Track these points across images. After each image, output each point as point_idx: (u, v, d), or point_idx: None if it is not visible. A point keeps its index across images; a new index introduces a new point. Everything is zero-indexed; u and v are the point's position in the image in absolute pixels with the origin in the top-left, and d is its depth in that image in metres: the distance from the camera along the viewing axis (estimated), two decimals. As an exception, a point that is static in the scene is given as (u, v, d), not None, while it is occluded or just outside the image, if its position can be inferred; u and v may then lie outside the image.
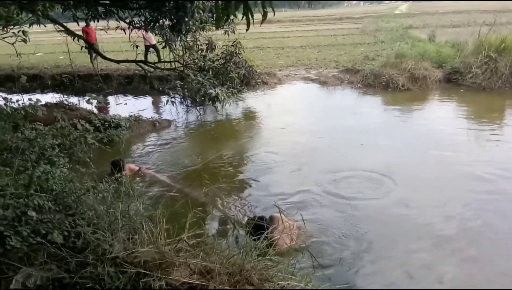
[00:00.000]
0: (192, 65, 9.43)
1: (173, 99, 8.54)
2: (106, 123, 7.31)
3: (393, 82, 10.46)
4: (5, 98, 6.38)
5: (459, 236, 4.06)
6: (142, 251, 2.20)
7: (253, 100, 10.55)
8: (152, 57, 12.92)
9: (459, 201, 4.72)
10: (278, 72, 13.22)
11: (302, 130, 7.67)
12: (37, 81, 13.33)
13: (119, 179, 3.66)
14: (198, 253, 2.53)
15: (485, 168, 5.50)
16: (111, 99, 11.73)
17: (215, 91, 8.18)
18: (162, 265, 2.25)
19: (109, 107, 10.55)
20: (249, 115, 9.25)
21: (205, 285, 2.27)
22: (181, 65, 9.48)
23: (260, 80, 11.40)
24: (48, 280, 2.05)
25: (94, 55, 13.12)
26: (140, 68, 10.56)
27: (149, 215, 2.99)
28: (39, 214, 2.78)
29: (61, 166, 4.12)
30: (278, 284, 2.64)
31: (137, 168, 5.26)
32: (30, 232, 2.44)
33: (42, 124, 6.48)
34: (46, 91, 12.69)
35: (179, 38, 8.11)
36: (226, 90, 8.61)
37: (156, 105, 10.87)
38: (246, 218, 4.17)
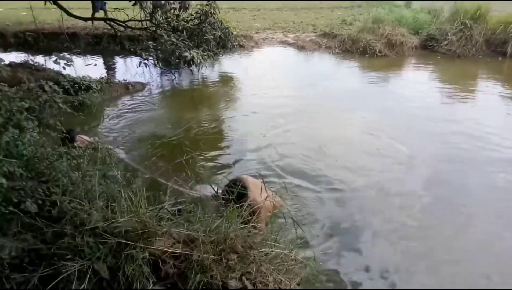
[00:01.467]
0: (165, 25, 8.97)
1: (146, 61, 8.18)
2: (76, 85, 6.93)
3: (371, 48, 10.44)
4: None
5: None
6: (123, 221, 2.12)
7: (230, 63, 10.29)
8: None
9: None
10: (255, 35, 12.88)
11: (280, 94, 7.59)
12: (-2, 38, 12.44)
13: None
14: (181, 222, 2.47)
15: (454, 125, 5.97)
16: (79, 59, 11.13)
17: (190, 54, 7.86)
18: (144, 235, 2.18)
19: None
20: (226, 79, 9.04)
21: (189, 254, 2.23)
22: (153, 25, 9.00)
23: (236, 43, 11.06)
24: (23, 251, 1.95)
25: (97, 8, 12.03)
26: (109, 27, 9.97)
27: (127, 183, 2.89)
28: (10, 181, 2.62)
29: (30, 130, 3.88)
30: (261, 251, 2.64)
31: (89, 139, 4.84)
32: (1, 201, 2.29)
33: (6, 85, 6.08)
34: (9, 50, 11.85)
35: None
36: (202, 53, 8.30)
37: (128, 67, 10.40)
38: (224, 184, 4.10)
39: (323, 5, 18.54)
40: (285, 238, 3.00)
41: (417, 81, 8.60)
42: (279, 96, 7.51)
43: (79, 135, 4.72)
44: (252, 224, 2.89)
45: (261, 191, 3.58)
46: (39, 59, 9.73)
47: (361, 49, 10.54)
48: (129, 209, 2.37)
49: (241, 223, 2.79)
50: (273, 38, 12.80)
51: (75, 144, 4.31)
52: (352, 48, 10.82)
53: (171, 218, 2.43)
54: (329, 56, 10.91)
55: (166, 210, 2.64)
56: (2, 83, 5.66)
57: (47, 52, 11.13)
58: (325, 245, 3.52)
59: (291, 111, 6.68)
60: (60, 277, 1.80)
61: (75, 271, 1.88)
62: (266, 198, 3.25)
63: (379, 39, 10.56)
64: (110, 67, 10.44)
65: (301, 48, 11.71)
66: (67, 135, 4.20)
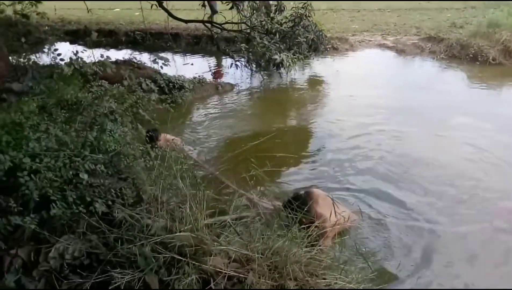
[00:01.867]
0: (259, 28, 9.06)
1: (237, 63, 8.34)
2: (170, 84, 7.35)
3: (483, 55, 9.23)
4: (76, 54, 6.63)
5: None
6: (179, 235, 2.08)
7: (321, 66, 9.98)
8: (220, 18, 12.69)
9: None
10: (351, 37, 12.34)
11: (371, 104, 7.04)
12: (112, 36, 13.87)
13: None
14: (239, 240, 2.36)
15: None
16: (179, 58, 11.85)
17: (280, 56, 7.79)
18: (199, 251, 2.11)
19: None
20: (315, 83, 8.79)
21: (242, 277, 2.10)
22: (247, 27, 9.15)
23: (330, 46, 10.69)
24: (83, 255, 2.02)
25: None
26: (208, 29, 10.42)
27: (194, 189, 2.87)
28: (91, 177, 2.78)
29: (123, 125, 4.07)
30: (323, 280, 2.41)
31: (173, 138, 5.00)
32: (76, 198, 2.41)
33: (107, 82, 6.68)
34: (119, 47, 13.15)
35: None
36: (292, 56, 8.18)
37: (221, 67, 10.76)
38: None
39: (431, 5, 17.03)
40: (356, 266, 2.69)
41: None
42: (370, 103, 6.98)
43: (164, 134, 4.90)
44: (318, 247, 2.68)
45: (330, 208, 3.32)
46: (145, 56, 10.56)
47: (471, 55, 9.38)
48: (189, 219, 2.33)
49: (306, 245, 2.59)
50: (370, 40, 12.12)
51: (158, 143, 4.51)
52: (461, 54, 9.69)
53: (229, 235, 2.33)
54: (432, 62, 9.94)
55: (228, 223, 2.56)
56: (104, 80, 6.21)
57: (152, 50, 12.05)
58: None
59: (381, 121, 6.16)
60: (110, 287, 1.81)
61: (127, 281, 1.87)
62: (333, 214, 2.99)
63: (494, 45, 9.28)
64: (204, 67, 10.89)
65: (400, 52, 10.89)
66: (151, 134, 4.40)
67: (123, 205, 2.54)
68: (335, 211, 3.10)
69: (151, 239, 2.05)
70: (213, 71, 8.65)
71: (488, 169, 4.69)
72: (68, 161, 2.80)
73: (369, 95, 7.47)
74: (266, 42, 8.33)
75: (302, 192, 3.56)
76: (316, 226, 2.88)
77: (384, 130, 5.83)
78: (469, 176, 4.55)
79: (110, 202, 2.48)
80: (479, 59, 9.23)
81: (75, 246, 2.04)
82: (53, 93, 4.75)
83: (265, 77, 8.78)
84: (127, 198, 2.63)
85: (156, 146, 4.10)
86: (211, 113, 6.91)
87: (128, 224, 2.24)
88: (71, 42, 13.40)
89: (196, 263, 2.02)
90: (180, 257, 2.00)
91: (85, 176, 2.72)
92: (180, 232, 2.27)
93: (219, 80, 8.92)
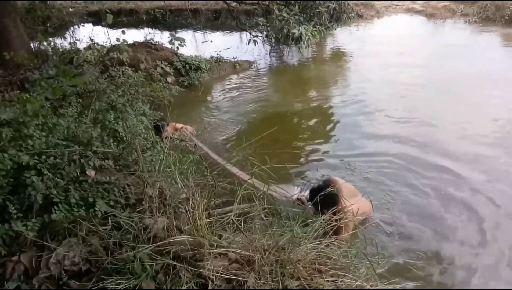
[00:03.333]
0: (278, -1, 8.68)
1: (255, 38, 8.08)
2: (187, 65, 7.23)
3: (520, 16, 8.49)
4: (92, 39, 6.63)
5: None
6: (174, 241, 2.04)
7: (345, 37, 9.54)
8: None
9: None
10: (377, 2, 11.69)
11: (399, 75, 6.64)
12: (133, 16, 13.82)
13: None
14: (240, 239, 2.30)
15: None
16: (199, 35, 11.67)
17: (298, 30, 7.47)
18: (197, 255, 2.07)
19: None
20: (338, 56, 8.44)
21: (241, 280, 2.05)
22: (266, -1, 8.79)
23: (353, 14, 10.15)
24: (82, 260, 2.02)
25: None
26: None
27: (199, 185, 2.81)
28: (98, 174, 2.76)
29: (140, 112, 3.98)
30: (328, 279, 2.32)
31: (181, 126, 4.88)
32: (78, 199, 2.41)
33: (126, 66, 6.66)
34: (140, 26, 13.09)
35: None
36: (312, 28, 7.82)
37: (241, 43, 10.49)
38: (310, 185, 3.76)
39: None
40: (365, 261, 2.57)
41: None
42: (397, 78, 6.59)
43: (172, 123, 4.78)
44: (330, 241, 2.57)
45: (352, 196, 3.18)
46: (165, 36, 10.44)
47: (506, 17, 8.64)
48: (190, 219, 2.28)
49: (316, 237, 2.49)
50: (397, 5, 11.46)
51: (165, 134, 4.39)
52: (495, 15, 8.96)
53: (230, 235, 2.27)
54: (464, 26, 9.28)
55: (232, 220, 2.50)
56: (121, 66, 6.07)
57: (172, 29, 11.94)
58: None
59: (410, 97, 5.80)
60: (106, 295, 1.80)
61: (124, 288, 1.86)
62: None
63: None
64: (223, 44, 10.68)
65: (430, 16, 10.24)
66: (157, 125, 4.30)
67: (127, 205, 2.52)
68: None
69: (145, 247, 2.02)
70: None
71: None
72: (78, 157, 2.79)
73: (396, 66, 7.06)
74: (285, 15, 8.00)
75: (325, 178, 3.40)
76: (338, 218, 2.76)
77: (412, 109, 5.41)
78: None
79: (112, 203, 2.46)
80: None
81: (75, 251, 2.04)
82: (69, 81, 4.73)
83: (284, 52, 8.48)
84: (131, 196, 2.61)
85: (162, 137, 4.04)
86: (228, 95, 6.74)
87: (128, 226, 2.21)
88: (94, 24, 13.46)
89: (194, 269, 1.97)
90: (175, 263, 1.96)
91: (92, 173, 2.71)
92: (180, 231, 2.23)
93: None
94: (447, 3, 10.51)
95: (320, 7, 8.40)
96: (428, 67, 7.03)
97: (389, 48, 8.24)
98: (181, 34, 10.99)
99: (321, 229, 2.59)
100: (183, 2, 13.68)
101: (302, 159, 4.34)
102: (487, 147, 4.33)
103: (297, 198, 3.43)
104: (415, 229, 3.35)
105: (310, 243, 2.44)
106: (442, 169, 3.98)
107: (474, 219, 3.37)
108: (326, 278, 2.32)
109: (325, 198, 3.00)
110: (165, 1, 13.57)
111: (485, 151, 4.23)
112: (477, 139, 4.49)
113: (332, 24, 8.67)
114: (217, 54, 8.11)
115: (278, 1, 8.63)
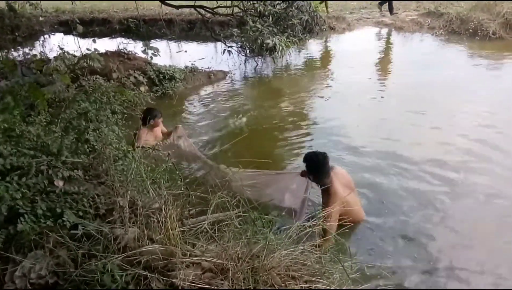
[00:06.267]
0: (252, 10, 8.79)
1: (229, 49, 8.13)
2: (160, 75, 7.18)
3: (483, 29, 8.92)
4: (62, 48, 6.47)
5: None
6: (145, 250, 2.00)
7: (317, 48, 9.76)
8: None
9: None
10: (348, 16, 12.04)
11: (369, 84, 6.85)
12: (105, 25, 13.64)
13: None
14: (214, 247, 2.28)
15: None
16: (173, 45, 11.63)
17: (272, 40, 7.58)
18: (169, 265, 2.04)
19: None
20: (310, 66, 8.58)
21: (214, 288, 2.03)
22: (240, 10, 8.89)
23: (326, 26, 10.40)
24: (49, 272, 1.95)
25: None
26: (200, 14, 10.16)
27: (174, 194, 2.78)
28: (67, 184, 2.68)
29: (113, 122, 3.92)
30: (302, 286, 2.33)
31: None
32: (45, 210, 2.33)
33: (97, 75, 6.52)
34: (113, 36, 12.93)
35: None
36: (285, 39, 7.95)
37: (215, 53, 10.52)
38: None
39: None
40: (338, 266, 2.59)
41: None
42: (368, 86, 6.79)
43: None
44: (307, 246, 2.57)
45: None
46: (139, 45, 10.34)
47: (470, 30, 9.09)
48: (162, 228, 2.25)
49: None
50: (368, 18, 11.83)
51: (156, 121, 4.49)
52: (460, 28, 9.40)
53: (203, 244, 2.25)
54: (431, 38, 9.66)
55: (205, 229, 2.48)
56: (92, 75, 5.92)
57: (146, 38, 11.81)
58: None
59: (381, 104, 6.02)
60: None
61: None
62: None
63: (495, 19, 8.96)
64: (197, 54, 10.67)
65: (399, 29, 10.61)
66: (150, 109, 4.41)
67: (96, 215, 2.46)
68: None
69: (114, 257, 1.98)
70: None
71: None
72: (46, 168, 2.71)
73: (366, 76, 7.28)
74: (259, 26, 8.11)
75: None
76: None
77: (384, 116, 5.60)
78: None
79: (81, 213, 2.40)
80: (479, 33, 8.95)
81: (41, 263, 1.97)
82: (38, 91, 4.60)
83: (258, 63, 8.56)
84: (101, 206, 2.55)
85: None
86: (203, 104, 6.72)
87: (97, 237, 2.16)
88: (65, 33, 13.19)
89: (165, 279, 1.94)
90: (147, 273, 1.92)
91: (60, 184, 2.64)
92: (152, 241, 2.20)
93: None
94: (414, 16, 10.92)
95: (293, 19, 8.56)
96: (394, 76, 7.36)
97: (357, 59, 8.47)
98: (155, 44, 10.94)
99: (295, 236, 2.62)
100: (157, 12, 13.63)
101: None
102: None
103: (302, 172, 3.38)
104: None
105: (284, 250, 2.45)
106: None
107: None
108: (300, 284, 2.33)
109: (314, 155, 3.04)
110: (139, 11, 13.50)
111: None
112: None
113: (305, 35, 8.84)
114: (192, 64, 8.09)
115: (252, 13, 8.76)
